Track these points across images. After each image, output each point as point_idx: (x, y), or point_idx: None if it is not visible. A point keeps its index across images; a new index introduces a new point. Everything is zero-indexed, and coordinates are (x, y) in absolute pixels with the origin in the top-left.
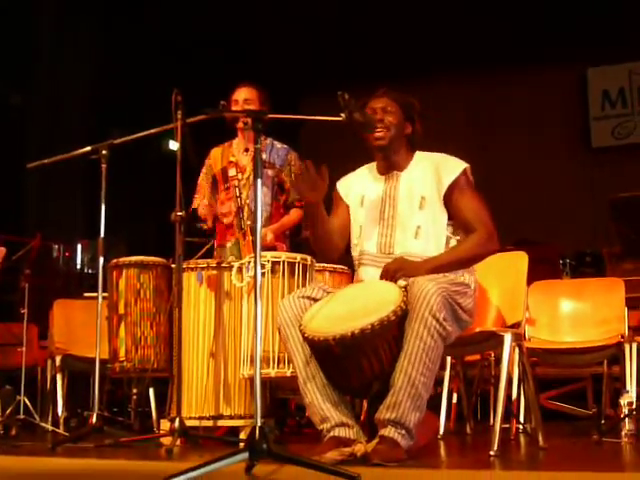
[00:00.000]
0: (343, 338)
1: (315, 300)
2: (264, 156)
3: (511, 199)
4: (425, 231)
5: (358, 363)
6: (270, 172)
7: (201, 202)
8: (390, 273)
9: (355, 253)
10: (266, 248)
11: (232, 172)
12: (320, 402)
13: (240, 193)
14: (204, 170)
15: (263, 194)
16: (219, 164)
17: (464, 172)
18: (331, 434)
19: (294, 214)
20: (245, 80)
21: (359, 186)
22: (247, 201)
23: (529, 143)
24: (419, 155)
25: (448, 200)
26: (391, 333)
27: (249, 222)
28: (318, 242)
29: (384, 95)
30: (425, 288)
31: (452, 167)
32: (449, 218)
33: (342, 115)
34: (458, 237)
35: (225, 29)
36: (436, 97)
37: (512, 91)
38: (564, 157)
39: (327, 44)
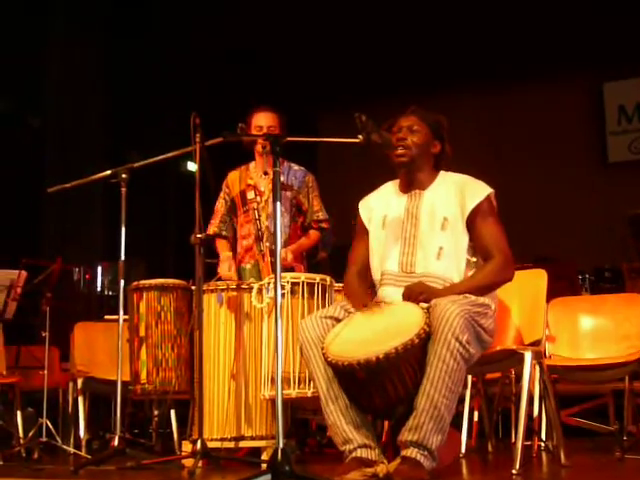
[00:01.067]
0: (368, 363)
1: (337, 320)
2: (282, 178)
3: (528, 216)
4: (447, 253)
5: (382, 386)
6: (288, 194)
7: (223, 271)
8: (414, 295)
9: (377, 276)
10: (285, 269)
11: (251, 195)
12: (343, 424)
13: (259, 215)
14: (221, 195)
15: (281, 216)
16: (237, 187)
17: (488, 197)
18: (353, 455)
19: (312, 235)
20: (264, 105)
21: (381, 206)
22: (266, 223)
23: (546, 159)
24: (443, 175)
25: (470, 224)
26: (415, 356)
27: (268, 244)
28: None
29: (412, 114)
30: (448, 310)
31: (477, 191)
32: (470, 240)
33: (359, 137)
34: (475, 259)
35: (242, 47)
36: (451, 113)
37: (528, 106)
38: (581, 172)
39: (344, 61)
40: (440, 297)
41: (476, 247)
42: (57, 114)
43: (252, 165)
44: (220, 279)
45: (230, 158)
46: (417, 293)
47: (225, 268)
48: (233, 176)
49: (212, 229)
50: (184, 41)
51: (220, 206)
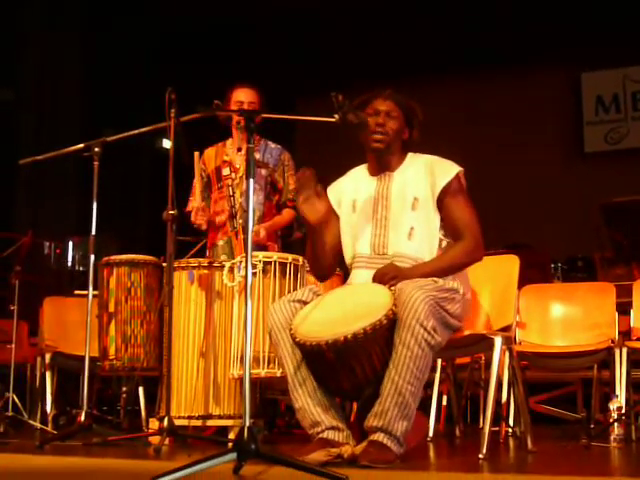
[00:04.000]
0: (336, 343)
1: (306, 303)
2: (257, 156)
3: (503, 203)
4: (419, 232)
5: (350, 367)
6: (263, 172)
7: (194, 208)
8: (385, 279)
9: (348, 259)
10: (258, 246)
11: (226, 171)
12: (311, 407)
13: (233, 192)
14: (198, 171)
15: (256, 194)
16: (213, 163)
17: (457, 176)
18: (320, 436)
19: (286, 214)
20: (243, 81)
21: (351, 190)
22: (240, 200)
23: (522, 147)
24: (411, 156)
25: (440, 203)
26: (383, 336)
27: (241, 221)
28: (315, 262)
29: (389, 98)
30: (413, 296)
31: (446, 170)
32: (441, 220)
33: (335, 116)
34: (449, 240)
35: (221, 28)
36: (429, 99)
37: (505, 95)
38: (557, 161)
39: (323, 44)
40: (410, 276)
41: (446, 227)
42: (32, 88)
43: (229, 142)
44: (195, 254)
45: (211, 137)
46: (389, 278)
47: (200, 215)
48: (209, 152)
49: (191, 205)
50: (165, 18)
51: (197, 182)
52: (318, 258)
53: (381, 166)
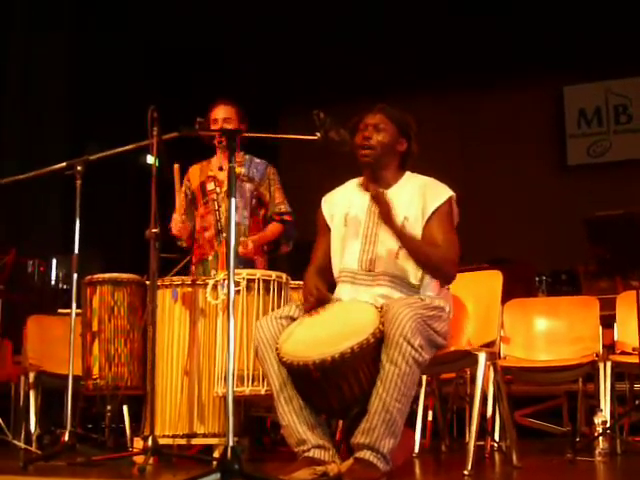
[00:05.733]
0: (323, 363)
1: (293, 319)
2: (243, 170)
3: (487, 217)
4: (406, 253)
5: (338, 386)
6: (249, 185)
7: (174, 220)
8: (379, 200)
9: (335, 272)
10: (246, 259)
11: (210, 186)
12: (297, 425)
13: (219, 206)
14: (182, 188)
15: (240, 208)
16: (197, 180)
17: (449, 200)
18: (306, 455)
19: (273, 228)
20: (222, 98)
21: (344, 204)
22: (225, 214)
23: (505, 160)
24: (409, 176)
25: (426, 224)
26: (370, 355)
27: (225, 234)
28: None
29: (380, 112)
30: (401, 314)
31: (438, 194)
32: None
33: (317, 134)
34: None
35: (204, 44)
36: (414, 115)
37: (488, 108)
38: (540, 175)
39: (308, 60)
40: (392, 225)
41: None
42: (15, 104)
43: (214, 159)
44: (179, 273)
45: (195, 153)
46: (381, 204)
47: (178, 221)
48: (194, 170)
49: (174, 222)
50: (148, 35)
51: (181, 200)
52: None
53: (375, 181)
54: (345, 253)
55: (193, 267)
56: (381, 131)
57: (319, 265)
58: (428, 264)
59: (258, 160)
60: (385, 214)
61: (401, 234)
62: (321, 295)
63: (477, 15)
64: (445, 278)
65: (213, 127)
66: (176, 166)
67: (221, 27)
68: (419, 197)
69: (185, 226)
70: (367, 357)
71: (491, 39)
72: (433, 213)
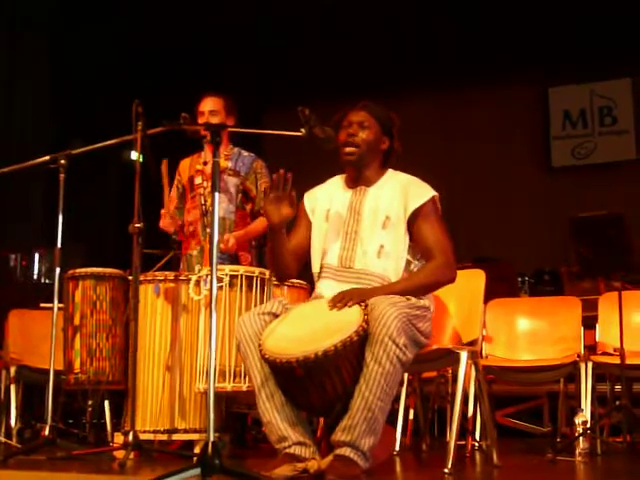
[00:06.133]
0: (306, 360)
1: (276, 316)
2: (230, 164)
3: (470, 216)
4: (387, 251)
5: (321, 383)
6: (235, 180)
7: (162, 214)
8: (344, 300)
9: (315, 268)
10: (229, 256)
11: (198, 180)
12: (278, 421)
13: (205, 201)
14: (174, 182)
15: (225, 202)
16: (187, 173)
17: (432, 200)
18: (286, 451)
19: (259, 223)
20: (210, 90)
21: (326, 200)
22: (211, 209)
23: (489, 161)
24: (390, 173)
25: (411, 225)
26: (354, 353)
27: (209, 230)
28: (275, 261)
29: (363, 109)
30: (386, 313)
31: (420, 193)
32: (411, 240)
33: (302, 130)
34: (417, 262)
35: (189, 40)
36: (400, 113)
37: (472, 109)
38: (524, 175)
39: (292, 57)
40: (376, 295)
41: (418, 248)
42: None
43: (204, 153)
44: (162, 268)
45: (186, 146)
46: (347, 298)
47: (167, 220)
48: (185, 163)
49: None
50: (134, 29)
51: (173, 194)
52: (276, 257)
53: (357, 179)
54: (326, 249)
55: (182, 259)
56: (365, 128)
57: (291, 248)
58: (434, 287)
59: (246, 153)
60: (365, 296)
61: (391, 292)
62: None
63: (462, 14)
64: (448, 283)
65: (200, 119)
66: (164, 162)
67: (205, 24)
68: (400, 196)
69: (173, 221)
70: (350, 355)
71: (476, 39)
72: (417, 212)
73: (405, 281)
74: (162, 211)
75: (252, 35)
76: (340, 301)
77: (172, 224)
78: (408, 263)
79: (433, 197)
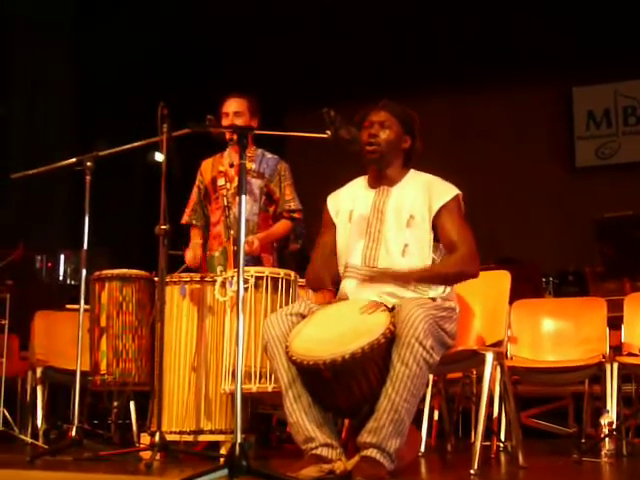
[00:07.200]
0: (333, 362)
1: (303, 316)
2: (254, 166)
3: (494, 217)
4: (412, 250)
5: (348, 386)
6: (259, 182)
7: (189, 250)
8: (373, 281)
9: (341, 268)
10: (252, 257)
11: (221, 182)
12: (305, 422)
13: (228, 202)
14: (196, 183)
15: (250, 204)
16: (209, 175)
17: (456, 198)
18: (313, 452)
19: (282, 225)
20: (234, 91)
21: (349, 201)
22: (234, 210)
23: (513, 161)
24: (413, 173)
25: (436, 222)
26: (380, 355)
27: (232, 232)
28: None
29: (384, 108)
30: (413, 315)
31: (445, 191)
32: (435, 240)
33: (327, 132)
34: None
35: (211, 41)
36: (421, 113)
37: (497, 109)
38: (548, 176)
39: (314, 57)
40: (406, 278)
41: (442, 242)
42: (24, 101)
43: (226, 153)
44: (185, 270)
45: (206, 148)
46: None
47: (190, 256)
48: (206, 164)
49: (184, 218)
50: (155, 32)
51: (194, 194)
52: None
53: (380, 179)
54: (350, 250)
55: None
56: (386, 128)
57: (322, 259)
58: (457, 279)
59: (270, 155)
60: (391, 279)
61: (422, 278)
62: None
63: (485, 12)
64: (471, 277)
65: (224, 121)
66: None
67: (229, 25)
68: (424, 195)
69: (195, 256)
70: (377, 357)
71: (499, 39)
72: (440, 210)
73: (434, 267)
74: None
75: (272, 35)
76: (372, 306)
77: (196, 259)
78: (433, 262)
79: (457, 195)
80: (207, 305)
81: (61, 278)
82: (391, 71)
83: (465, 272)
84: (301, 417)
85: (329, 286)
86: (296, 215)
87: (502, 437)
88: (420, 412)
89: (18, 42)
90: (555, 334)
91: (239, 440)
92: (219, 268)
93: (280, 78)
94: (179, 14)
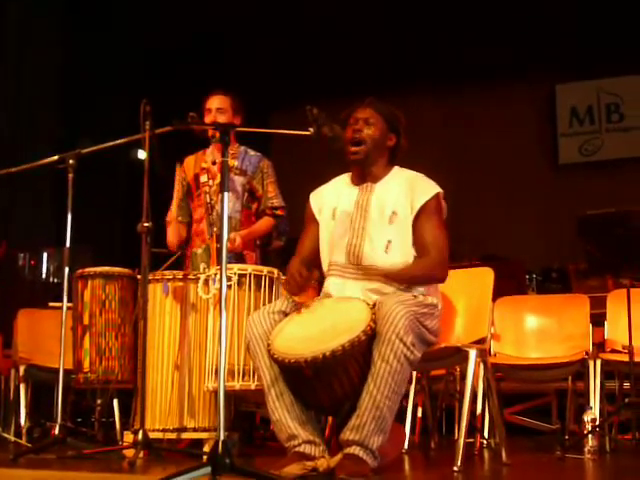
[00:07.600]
0: (314, 360)
1: (286, 314)
2: (236, 163)
3: (477, 214)
4: (395, 246)
5: (329, 383)
6: (241, 179)
7: (167, 222)
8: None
9: (324, 266)
10: (235, 255)
11: (203, 178)
12: (288, 420)
13: (211, 199)
14: (178, 179)
15: (232, 201)
16: (192, 171)
17: (437, 196)
18: (296, 450)
19: (264, 222)
20: (218, 88)
21: (332, 198)
22: (217, 208)
23: (496, 158)
24: (396, 170)
25: (415, 220)
26: (361, 352)
27: (215, 229)
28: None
29: (369, 106)
30: (393, 311)
31: (426, 189)
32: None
33: (310, 129)
34: None
35: (197, 40)
36: (405, 111)
37: (480, 106)
38: (531, 173)
39: (300, 56)
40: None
41: (414, 243)
42: (7, 98)
43: (209, 150)
44: (167, 268)
45: (189, 145)
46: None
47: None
48: (189, 160)
49: (169, 215)
50: (143, 29)
51: (177, 191)
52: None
53: (364, 176)
54: (334, 247)
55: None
56: (371, 125)
57: (304, 256)
58: (423, 282)
59: (252, 153)
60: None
61: (394, 279)
62: (303, 280)
63: (468, 11)
64: (438, 282)
65: (207, 117)
66: (178, 165)
67: (212, 24)
68: (407, 191)
69: (179, 236)
70: (358, 354)
71: (483, 36)
72: (421, 208)
73: (404, 270)
74: (168, 216)
75: (259, 33)
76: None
77: (178, 238)
78: (415, 259)
79: (438, 194)
80: (190, 303)
81: (44, 276)
82: (377, 69)
83: (433, 276)
84: (284, 415)
85: (307, 290)
86: (279, 212)
87: (485, 434)
88: (404, 409)
89: (3, 41)
90: (538, 331)
91: (222, 438)
92: (202, 265)
93: (267, 76)
94: (163, 13)
